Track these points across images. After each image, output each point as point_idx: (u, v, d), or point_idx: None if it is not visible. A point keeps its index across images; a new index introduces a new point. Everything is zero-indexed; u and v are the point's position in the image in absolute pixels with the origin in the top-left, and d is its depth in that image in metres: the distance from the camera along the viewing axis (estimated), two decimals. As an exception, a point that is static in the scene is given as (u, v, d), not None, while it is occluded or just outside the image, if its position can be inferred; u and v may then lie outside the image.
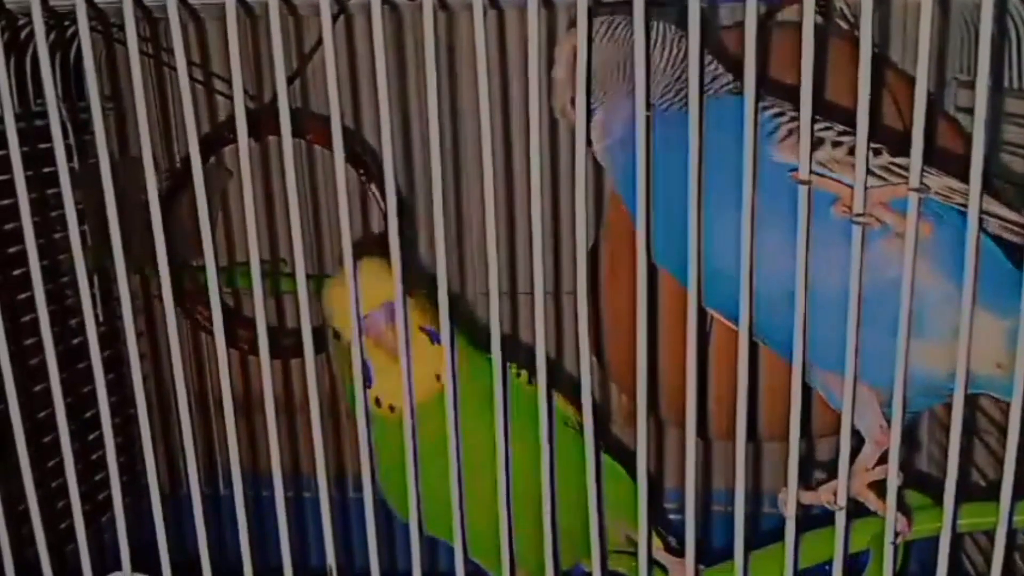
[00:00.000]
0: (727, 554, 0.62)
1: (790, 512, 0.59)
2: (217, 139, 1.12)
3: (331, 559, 0.65)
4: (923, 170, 0.53)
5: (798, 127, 0.61)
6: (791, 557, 0.60)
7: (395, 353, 0.63)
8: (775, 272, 0.57)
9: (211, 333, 1.19)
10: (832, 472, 0.60)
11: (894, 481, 0.58)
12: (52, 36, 1.11)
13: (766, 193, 0.54)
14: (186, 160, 1.11)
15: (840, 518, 0.59)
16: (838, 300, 0.55)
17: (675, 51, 0.66)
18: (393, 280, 0.58)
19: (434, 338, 0.71)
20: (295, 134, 0.56)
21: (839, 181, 0.58)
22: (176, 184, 1.12)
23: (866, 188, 0.53)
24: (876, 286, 0.56)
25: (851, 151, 0.60)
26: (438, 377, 0.67)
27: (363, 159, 1.12)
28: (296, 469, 1.22)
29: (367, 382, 0.65)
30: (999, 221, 0.60)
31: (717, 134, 0.54)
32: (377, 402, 0.71)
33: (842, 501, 0.58)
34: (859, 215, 0.53)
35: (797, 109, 0.62)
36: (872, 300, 0.55)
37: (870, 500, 0.63)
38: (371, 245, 0.68)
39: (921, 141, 0.51)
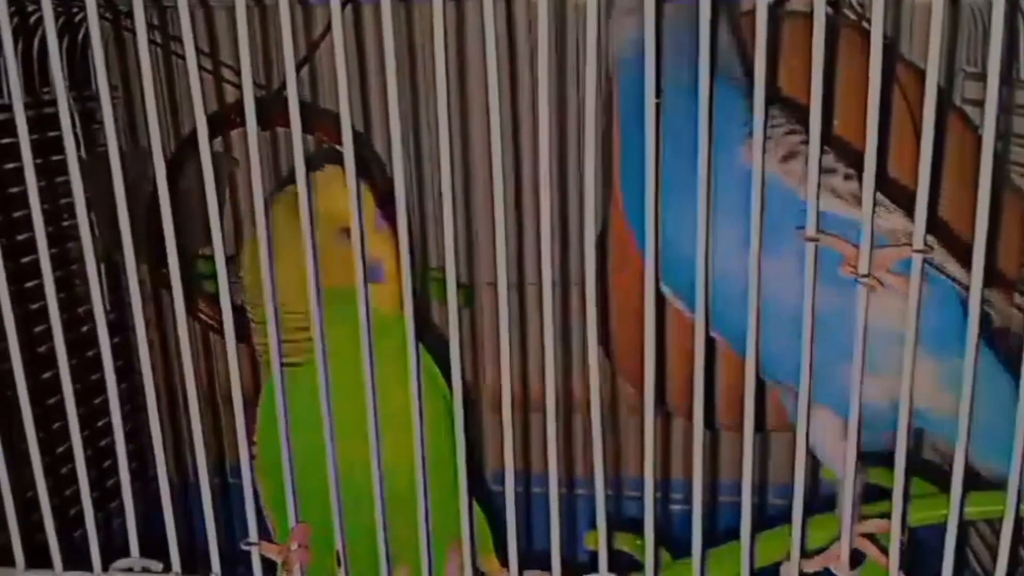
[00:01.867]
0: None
1: None
2: (223, 120, 1.11)
3: (339, 544, 0.65)
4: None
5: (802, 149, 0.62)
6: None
7: None
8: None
9: (216, 331, 1.20)
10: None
11: (897, 534, 0.59)
12: (60, 23, 1.12)
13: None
14: (191, 135, 1.10)
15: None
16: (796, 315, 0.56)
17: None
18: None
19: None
20: (303, 129, 0.56)
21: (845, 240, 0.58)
22: (178, 157, 1.12)
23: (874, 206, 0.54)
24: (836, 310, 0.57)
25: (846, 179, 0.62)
26: None
27: (367, 165, 1.11)
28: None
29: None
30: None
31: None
32: None
33: (844, 557, 0.60)
34: (862, 273, 0.54)
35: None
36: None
37: (869, 550, 0.64)
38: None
39: (929, 161, 0.51)
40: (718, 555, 0.71)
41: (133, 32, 0.68)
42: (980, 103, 0.96)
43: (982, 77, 0.99)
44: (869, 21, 0.79)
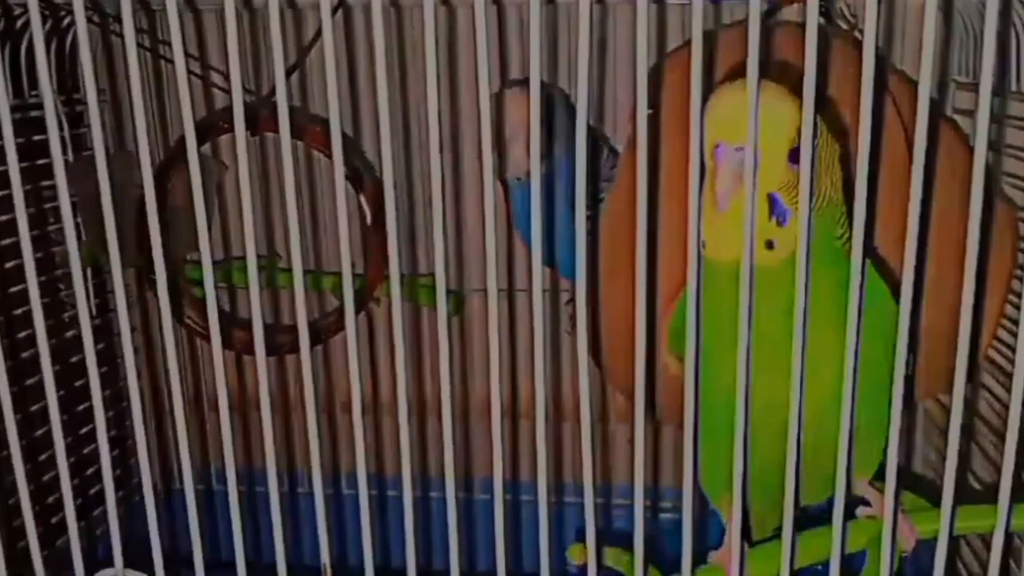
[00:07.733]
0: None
1: None
2: (212, 126, 1.11)
3: (325, 558, 0.64)
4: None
5: None
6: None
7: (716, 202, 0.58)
8: None
9: (203, 337, 1.19)
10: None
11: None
12: (48, 26, 1.11)
13: None
14: (180, 141, 1.10)
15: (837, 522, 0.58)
16: None
17: None
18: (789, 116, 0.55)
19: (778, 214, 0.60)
20: (292, 135, 0.56)
21: None
22: (167, 163, 1.11)
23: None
24: None
25: None
26: (769, 244, 0.60)
27: (356, 168, 1.11)
28: (291, 465, 1.22)
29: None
30: None
31: None
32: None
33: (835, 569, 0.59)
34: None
35: None
36: None
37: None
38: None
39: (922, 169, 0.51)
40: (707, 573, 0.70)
41: (121, 36, 0.67)
42: (971, 113, 0.97)
43: (974, 87, 0.99)
44: (862, 31, 0.79)
